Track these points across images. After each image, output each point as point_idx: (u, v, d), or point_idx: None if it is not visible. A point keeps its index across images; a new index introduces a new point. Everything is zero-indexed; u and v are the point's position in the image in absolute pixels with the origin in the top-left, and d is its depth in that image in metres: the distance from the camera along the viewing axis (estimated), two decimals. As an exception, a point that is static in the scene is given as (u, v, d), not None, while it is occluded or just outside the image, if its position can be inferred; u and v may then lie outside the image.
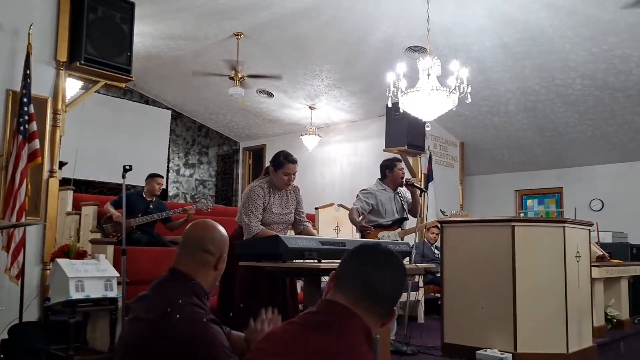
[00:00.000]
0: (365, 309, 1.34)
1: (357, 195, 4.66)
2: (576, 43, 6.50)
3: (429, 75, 5.05)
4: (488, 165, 9.86)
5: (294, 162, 3.66)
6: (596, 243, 6.21)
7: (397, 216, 4.63)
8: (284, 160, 3.62)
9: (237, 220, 3.73)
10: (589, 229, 4.54)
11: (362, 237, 4.64)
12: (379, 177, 4.77)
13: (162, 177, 5.59)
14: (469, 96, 4.94)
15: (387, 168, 4.71)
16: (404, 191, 4.74)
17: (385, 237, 4.51)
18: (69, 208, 5.18)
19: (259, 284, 3.46)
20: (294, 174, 3.67)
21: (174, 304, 1.69)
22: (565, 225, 4.09)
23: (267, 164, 3.79)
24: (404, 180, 4.64)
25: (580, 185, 8.92)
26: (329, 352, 1.24)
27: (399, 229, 4.65)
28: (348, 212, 4.77)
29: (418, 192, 4.65)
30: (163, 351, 1.62)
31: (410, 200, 4.73)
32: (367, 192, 4.63)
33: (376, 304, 1.36)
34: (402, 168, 4.73)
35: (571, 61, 6.86)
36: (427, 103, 5.12)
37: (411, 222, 4.84)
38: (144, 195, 5.43)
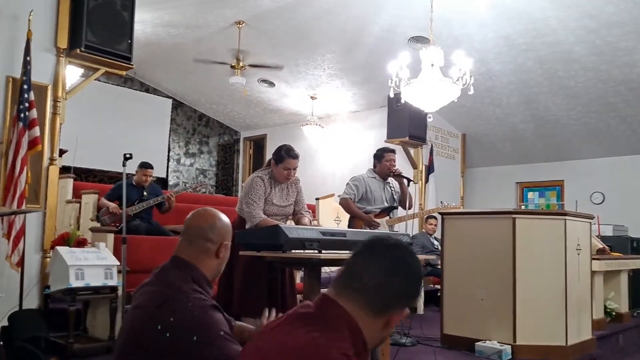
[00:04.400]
0: (349, 298, 1.28)
1: (347, 183, 4.69)
2: (579, 35, 6.45)
3: (432, 65, 5.01)
4: (489, 157, 9.84)
5: (295, 157, 3.65)
6: (597, 236, 6.21)
7: (386, 204, 4.63)
8: (285, 154, 3.62)
9: (237, 209, 3.73)
10: (590, 222, 4.53)
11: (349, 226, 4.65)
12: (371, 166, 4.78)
13: (152, 167, 5.47)
14: (472, 87, 4.91)
15: (376, 158, 4.72)
16: (394, 182, 4.73)
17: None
18: (69, 196, 5.18)
19: (259, 274, 3.46)
20: (294, 169, 3.67)
21: (175, 291, 1.69)
22: (566, 218, 4.08)
23: (268, 154, 3.78)
24: (391, 171, 4.62)
25: (581, 178, 8.90)
26: (297, 346, 1.21)
27: (387, 217, 4.66)
28: (339, 200, 4.76)
29: (405, 182, 4.61)
30: (164, 338, 1.62)
31: (399, 191, 4.71)
32: (356, 179, 4.65)
33: (361, 293, 1.28)
34: (392, 159, 4.68)
35: (574, 53, 6.82)
36: (429, 94, 5.09)
37: (402, 214, 4.84)
38: (135, 184, 5.39)
